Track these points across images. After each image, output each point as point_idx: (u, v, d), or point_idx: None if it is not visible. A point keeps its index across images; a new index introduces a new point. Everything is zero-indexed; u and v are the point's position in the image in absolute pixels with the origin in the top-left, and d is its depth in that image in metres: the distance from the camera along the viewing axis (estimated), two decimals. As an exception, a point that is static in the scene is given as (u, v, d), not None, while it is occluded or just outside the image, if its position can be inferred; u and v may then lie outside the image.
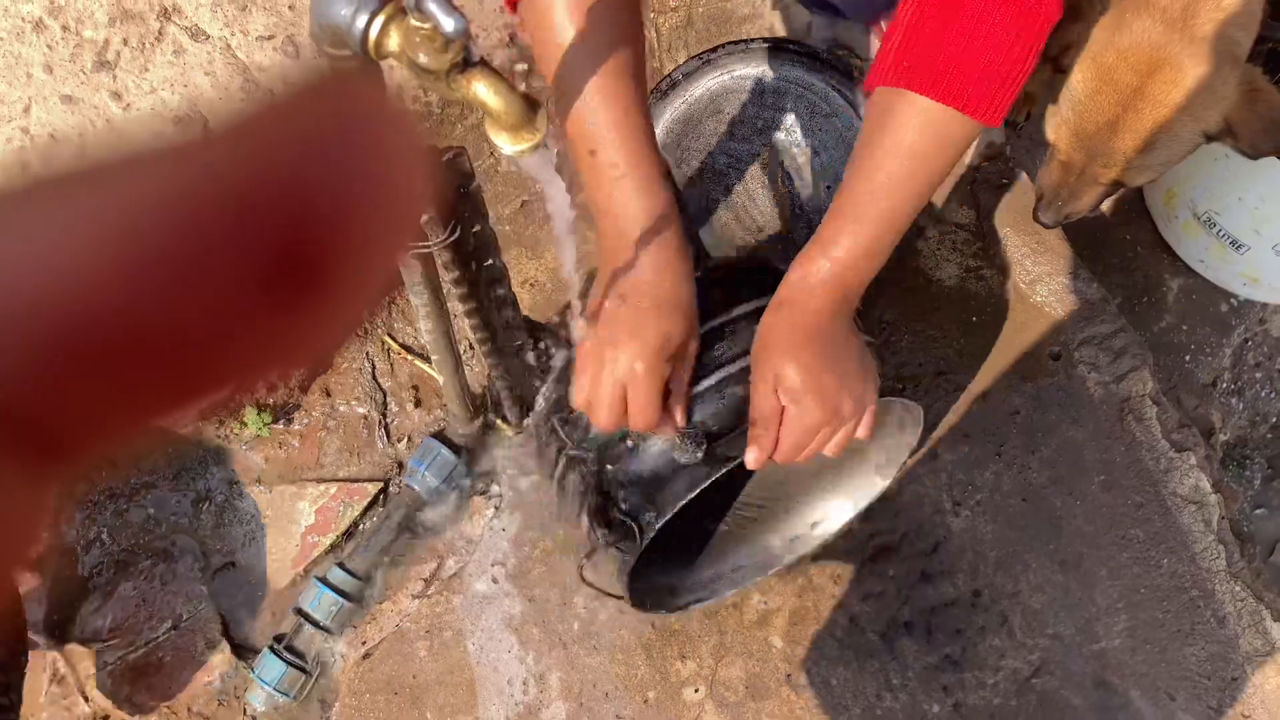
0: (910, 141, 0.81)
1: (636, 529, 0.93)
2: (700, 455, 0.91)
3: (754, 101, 1.27)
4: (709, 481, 0.89)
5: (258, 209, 0.15)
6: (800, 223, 1.30)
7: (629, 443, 0.94)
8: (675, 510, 0.90)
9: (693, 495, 0.90)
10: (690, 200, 1.29)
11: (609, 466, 0.96)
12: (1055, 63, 1.15)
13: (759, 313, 0.90)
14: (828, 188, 1.28)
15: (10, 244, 0.14)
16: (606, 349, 0.84)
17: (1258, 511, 1.63)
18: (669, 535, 0.95)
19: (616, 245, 0.85)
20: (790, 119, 1.27)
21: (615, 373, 0.84)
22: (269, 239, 0.15)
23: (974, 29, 0.78)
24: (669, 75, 1.27)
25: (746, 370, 0.89)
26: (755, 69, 1.25)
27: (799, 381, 0.84)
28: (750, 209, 1.30)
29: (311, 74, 0.17)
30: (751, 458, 0.86)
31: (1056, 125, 1.16)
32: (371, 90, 0.17)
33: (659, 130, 1.27)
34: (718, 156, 1.29)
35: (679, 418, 0.90)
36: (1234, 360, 1.57)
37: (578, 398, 0.88)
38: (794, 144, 1.28)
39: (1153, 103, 1.08)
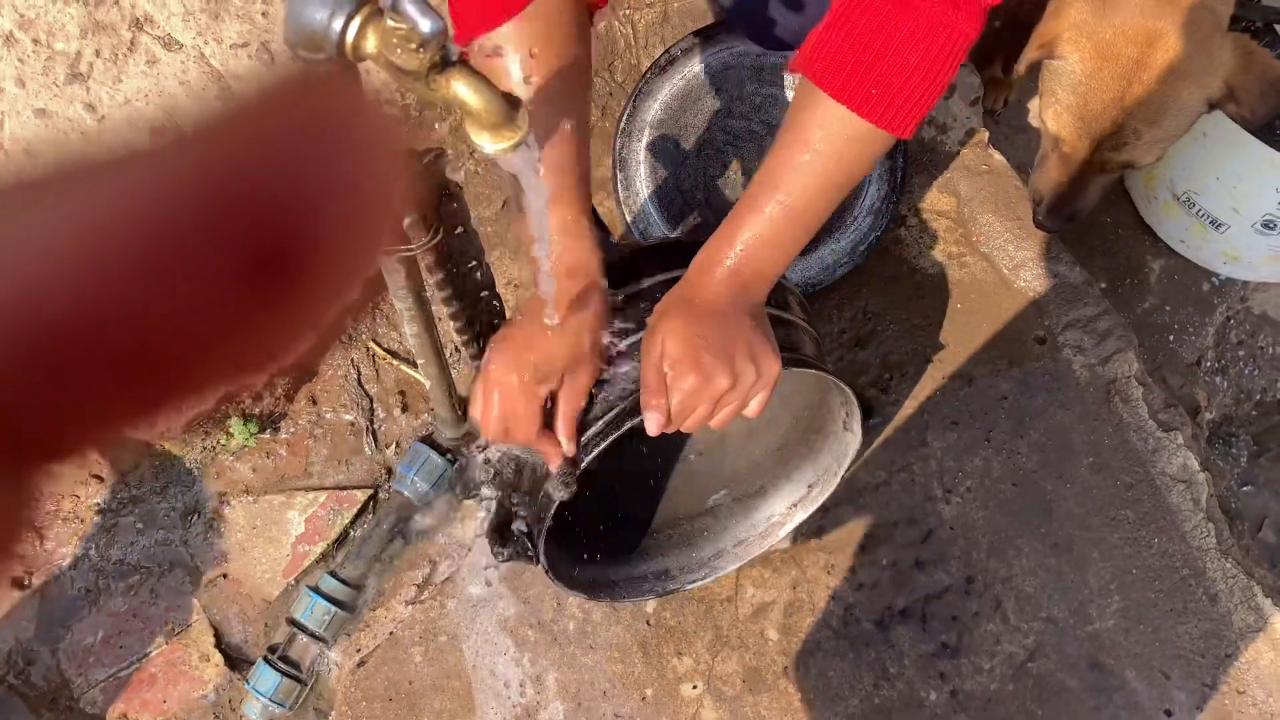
0: (817, 142, 0.82)
1: (529, 541, 0.95)
2: (567, 494, 0.92)
3: (752, 78, 1.27)
4: (608, 441, 0.89)
5: (235, 212, 0.15)
6: None
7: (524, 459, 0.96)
8: (581, 469, 0.91)
9: (592, 456, 0.90)
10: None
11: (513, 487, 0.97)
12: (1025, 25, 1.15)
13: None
14: None
15: None
16: (494, 363, 0.88)
17: (1244, 489, 1.64)
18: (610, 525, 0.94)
19: (533, 277, 0.88)
20: (789, 96, 1.27)
21: (495, 384, 0.88)
22: (246, 242, 0.15)
23: (886, 40, 0.78)
24: (667, 51, 1.26)
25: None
26: (754, 46, 1.25)
27: (677, 351, 0.85)
28: (745, 187, 1.30)
29: (287, 78, 0.17)
30: (651, 420, 0.87)
31: (1057, 114, 1.16)
32: (348, 93, 0.17)
33: (655, 107, 1.27)
34: (715, 133, 1.29)
35: (564, 443, 0.91)
36: (1217, 339, 1.58)
37: (472, 409, 0.91)
38: None
39: (1157, 72, 1.08)
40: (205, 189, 0.15)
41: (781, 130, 0.85)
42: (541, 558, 0.96)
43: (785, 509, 1.17)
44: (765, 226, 0.85)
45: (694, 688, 1.23)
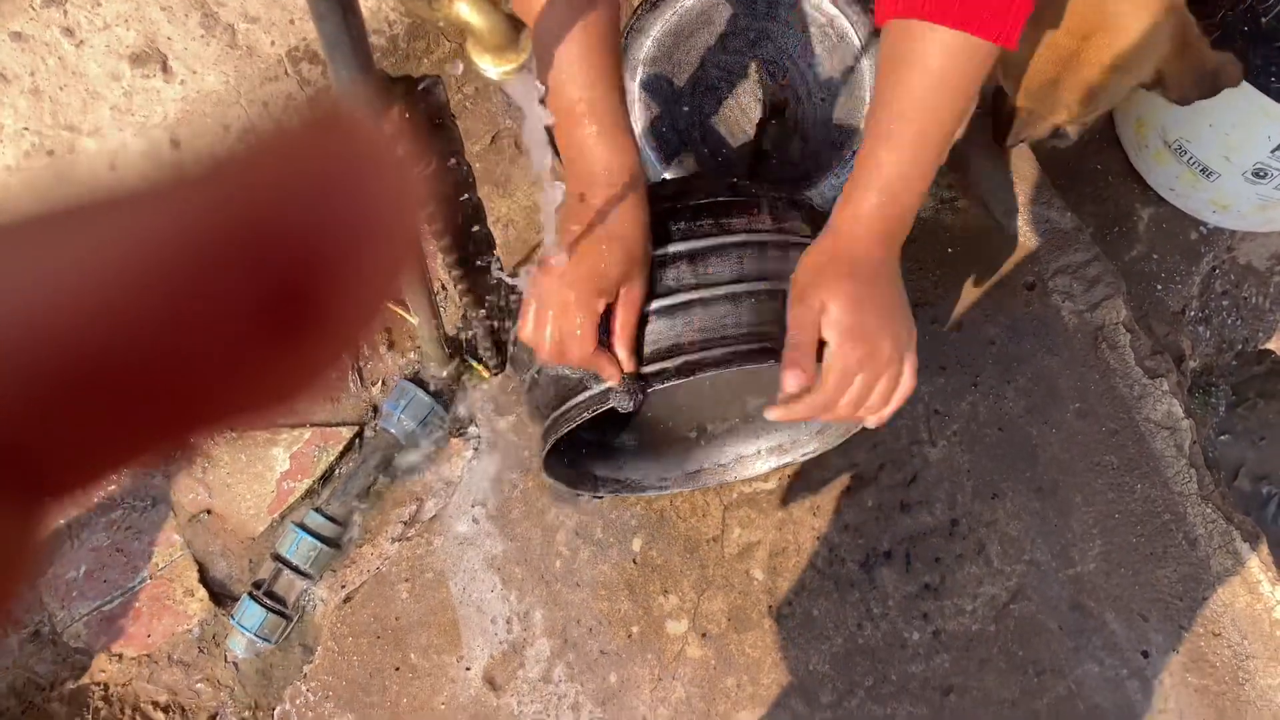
0: (932, 67, 0.81)
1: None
2: (632, 406, 0.90)
3: (746, 12, 1.25)
4: (720, 370, 0.86)
5: (247, 245, 0.15)
6: (794, 136, 1.29)
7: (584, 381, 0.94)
8: (682, 379, 0.88)
9: (713, 373, 0.87)
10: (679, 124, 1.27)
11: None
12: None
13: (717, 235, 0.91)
14: (822, 99, 1.26)
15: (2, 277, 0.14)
16: (545, 281, 0.85)
17: (1222, 438, 1.65)
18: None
19: (575, 189, 0.86)
20: (784, 30, 1.25)
21: (548, 303, 0.85)
22: (258, 274, 0.15)
23: None
24: None
25: (693, 303, 0.89)
26: None
27: (843, 314, 0.83)
28: (743, 123, 1.28)
29: (303, 107, 0.16)
30: (791, 381, 0.84)
31: (1004, 74, 1.20)
32: (362, 124, 0.16)
33: (648, 43, 1.25)
34: (709, 69, 1.27)
35: (623, 358, 0.89)
36: (1202, 288, 1.58)
37: (521, 330, 0.89)
38: (787, 55, 1.26)
39: (1089, 65, 1.11)
40: (224, 221, 0.15)
41: (888, 65, 0.84)
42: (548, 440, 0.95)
43: (770, 449, 1.18)
44: (907, 162, 0.83)
45: (679, 625, 1.24)
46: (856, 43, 1.24)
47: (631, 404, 0.90)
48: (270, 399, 0.16)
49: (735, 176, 0.99)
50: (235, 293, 0.15)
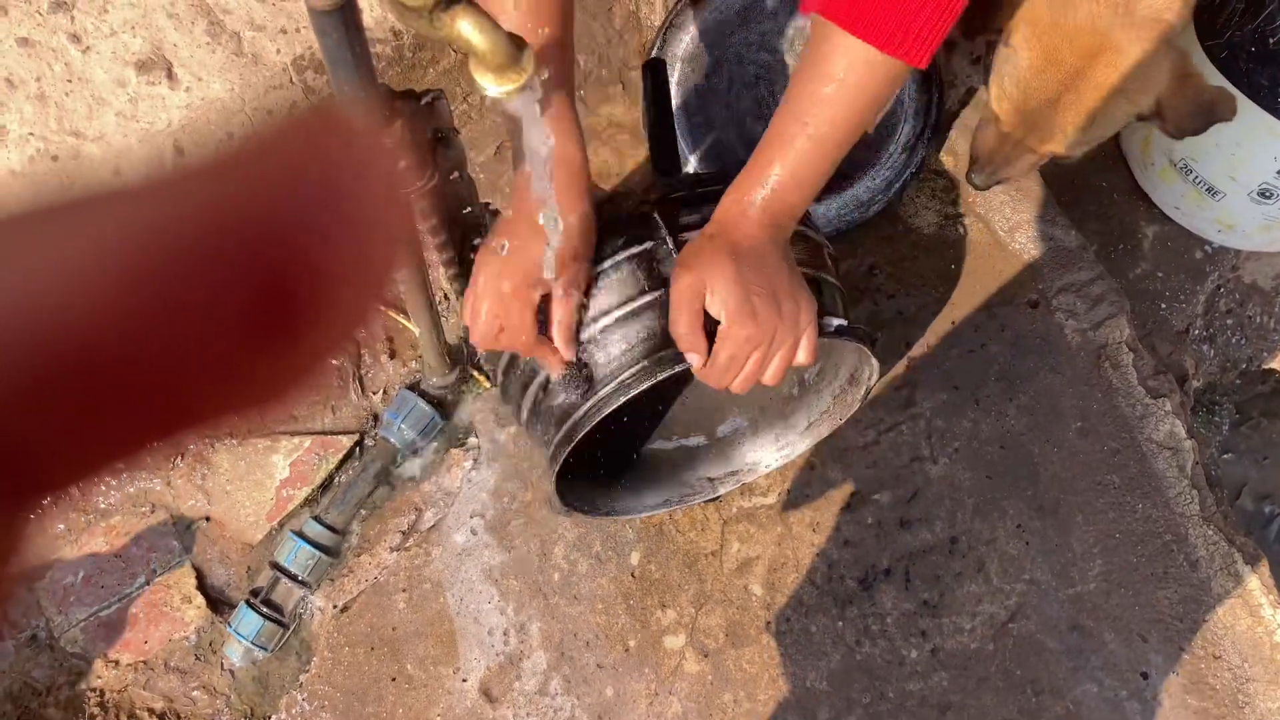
0: (836, 74, 0.82)
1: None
2: (580, 396, 0.92)
3: (784, 12, 1.25)
4: (649, 383, 0.88)
5: (239, 246, 0.15)
6: None
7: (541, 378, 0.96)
8: (613, 407, 0.90)
9: (630, 396, 0.89)
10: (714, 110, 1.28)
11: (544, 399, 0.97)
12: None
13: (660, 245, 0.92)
14: None
15: None
16: (483, 269, 0.88)
17: (1225, 456, 1.65)
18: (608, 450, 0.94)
19: (518, 178, 0.87)
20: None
21: (485, 292, 0.88)
22: (251, 274, 0.15)
23: None
24: None
25: (646, 306, 0.90)
26: None
27: (728, 294, 0.83)
28: None
29: (296, 111, 0.17)
30: (695, 360, 0.86)
31: (998, 97, 1.19)
32: (355, 128, 0.17)
33: (686, 39, 1.25)
34: (747, 67, 1.28)
35: (561, 348, 0.90)
36: (1206, 307, 1.58)
37: (463, 316, 0.91)
38: None
39: (1094, 85, 1.11)
40: (213, 225, 0.15)
41: (801, 65, 0.85)
42: (555, 463, 0.96)
43: (773, 454, 1.19)
44: (795, 160, 0.84)
45: (677, 640, 1.23)
46: None
47: (576, 395, 0.91)
48: (263, 399, 0.16)
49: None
50: (228, 292, 0.15)
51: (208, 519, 1.30)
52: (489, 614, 1.24)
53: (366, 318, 0.17)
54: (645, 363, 0.90)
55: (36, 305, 0.14)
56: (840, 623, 1.24)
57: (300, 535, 1.25)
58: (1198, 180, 1.42)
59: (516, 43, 0.59)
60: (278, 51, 1.26)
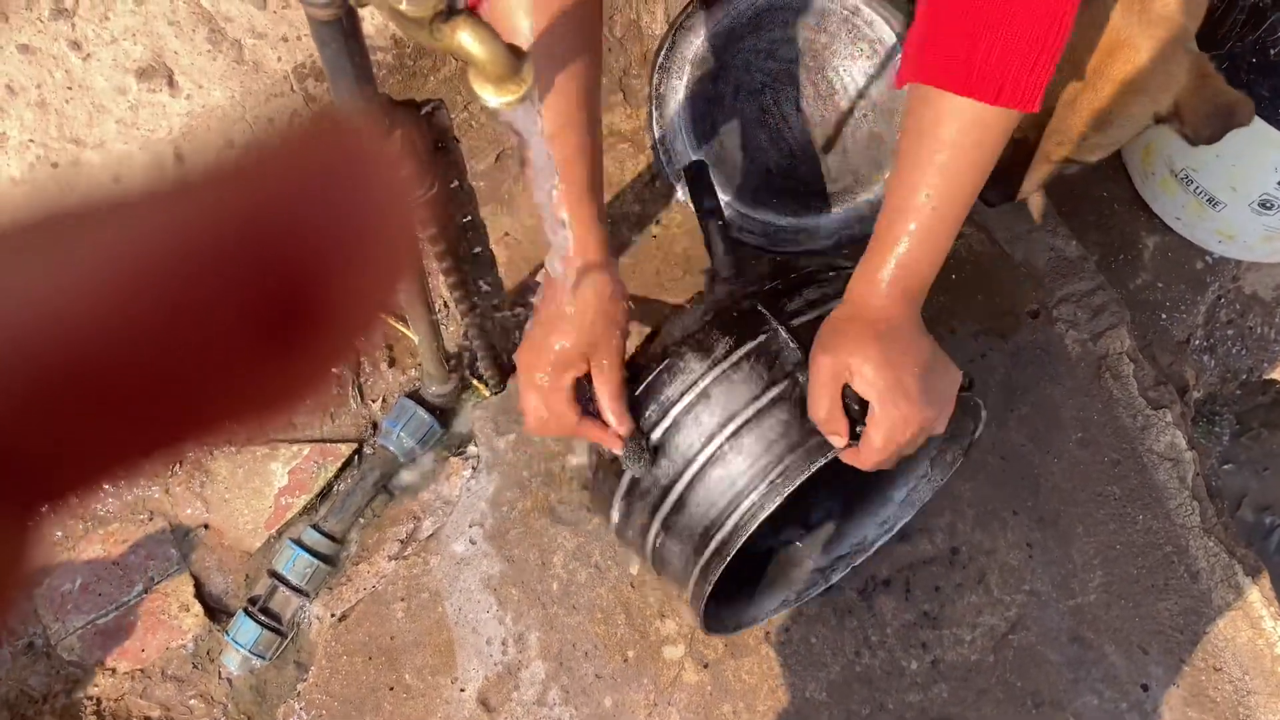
0: (949, 137, 0.80)
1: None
2: (644, 468, 0.92)
3: (796, 21, 1.25)
4: (802, 477, 0.87)
5: (243, 253, 0.15)
6: (834, 150, 1.29)
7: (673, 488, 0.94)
8: (769, 511, 0.89)
9: (785, 495, 0.88)
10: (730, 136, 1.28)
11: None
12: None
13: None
14: (865, 115, 1.26)
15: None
16: (519, 363, 0.91)
17: (1225, 467, 1.64)
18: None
19: (546, 276, 0.89)
20: (832, 42, 1.25)
21: (524, 382, 0.90)
22: (254, 284, 0.15)
23: (997, 27, 0.76)
24: None
25: (775, 400, 0.89)
26: None
27: (877, 375, 0.82)
28: (784, 131, 1.28)
29: (300, 119, 0.17)
30: (839, 443, 0.86)
31: None
32: (358, 134, 0.17)
33: (696, 42, 1.25)
34: (755, 74, 1.27)
35: (613, 424, 0.91)
36: (1207, 318, 1.57)
37: (519, 408, 0.94)
38: (834, 68, 1.26)
39: (1112, 83, 1.09)
40: (218, 233, 0.15)
41: (907, 131, 0.83)
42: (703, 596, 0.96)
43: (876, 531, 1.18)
44: (921, 233, 0.83)
45: (676, 650, 1.23)
46: None
47: (641, 467, 0.91)
48: (266, 408, 0.16)
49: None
50: (231, 300, 0.15)
51: (206, 527, 1.30)
52: (487, 623, 1.24)
53: (370, 326, 0.17)
54: (791, 457, 0.88)
55: (39, 313, 0.14)
56: (840, 633, 1.24)
57: (299, 543, 1.24)
58: (1198, 191, 1.42)
59: (516, 53, 0.59)
60: (279, 59, 1.26)
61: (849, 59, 1.27)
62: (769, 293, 0.94)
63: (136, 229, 0.14)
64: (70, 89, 1.21)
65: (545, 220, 0.79)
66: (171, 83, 1.23)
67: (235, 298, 0.15)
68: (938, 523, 1.26)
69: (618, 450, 0.92)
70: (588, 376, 0.90)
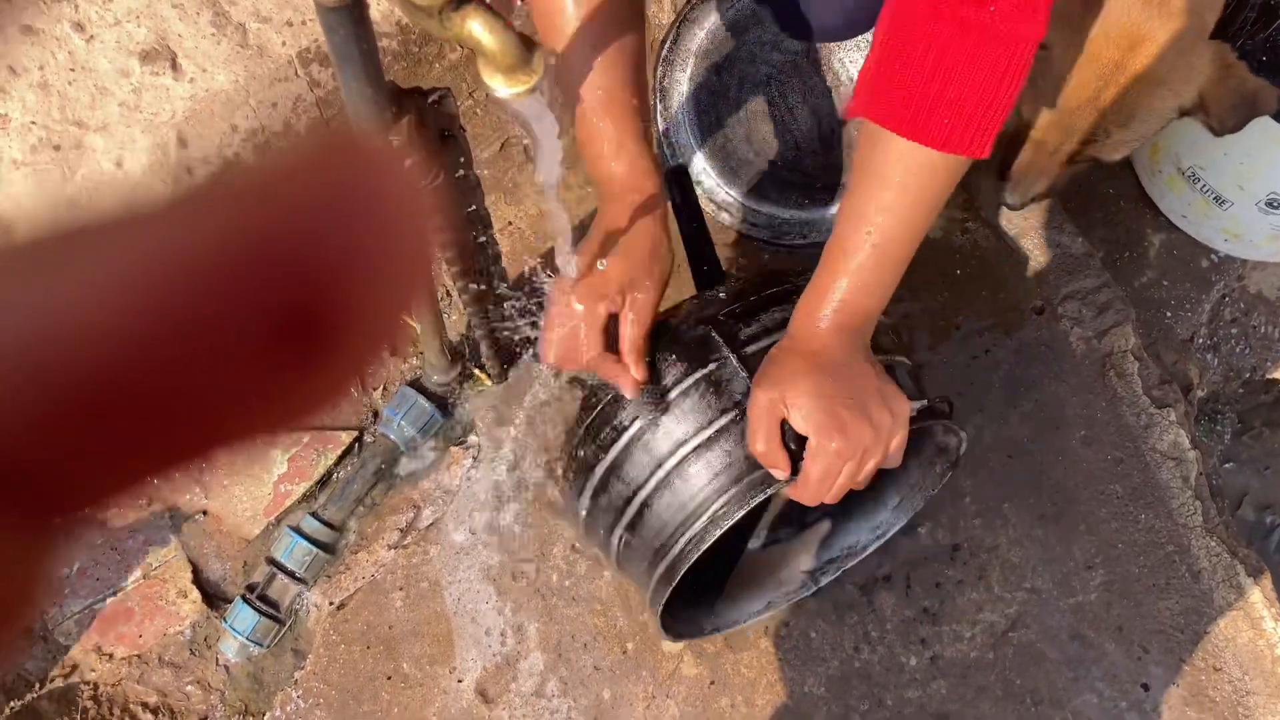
0: (895, 179, 0.80)
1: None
2: (653, 418, 0.92)
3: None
4: (742, 511, 0.88)
5: (262, 264, 0.15)
6: (838, 143, 1.28)
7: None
8: (709, 543, 0.89)
9: (725, 528, 0.88)
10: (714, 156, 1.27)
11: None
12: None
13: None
14: None
15: (9, 296, 0.14)
16: (556, 289, 0.90)
17: (1227, 465, 1.64)
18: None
19: (601, 207, 0.90)
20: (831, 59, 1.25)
21: (554, 313, 0.90)
22: (272, 294, 0.15)
23: (950, 68, 0.75)
24: None
25: (722, 430, 0.89)
26: None
27: (811, 408, 0.82)
28: (789, 123, 1.27)
29: (317, 137, 0.16)
30: (779, 475, 0.86)
31: (1033, 102, 1.16)
32: (379, 153, 0.16)
33: (700, 34, 1.24)
34: (759, 66, 1.27)
35: (632, 367, 0.90)
36: (1211, 316, 1.57)
37: (541, 336, 0.94)
38: (839, 60, 1.25)
39: (1134, 78, 1.09)
40: (235, 247, 0.15)
41: (857, 167, 0.83)
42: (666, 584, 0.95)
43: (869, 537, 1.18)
44: (861, 269, 0.83)
45: (675, 643, 1.23)
46: None
47: (652, 415, 0.91)
48: (283, 420, 0.16)
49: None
50: (248, 313, 0.15)
51: (205, 513, 1.29)
52: (486, 614, 1.24)
53: (388, 335, 0.16)
54: (734, 489, 0.88)
55: (56, 328, 0.13)
56: (840, 628, 1.24)
57: (297, 531, 1.24)
58: (1205, 189, 1.41)
59: (527, 43, 0.58)
60: (283, 44, 1.25)
61: (855, 50, 1.26)
62: (727, 315, 0.94)
63: (159, 242, 0.14)
64: (73, 71, 1.20)
65: (551, 211, 0.79)
66: (175, 66, 1.22)
67: (258, 310, 0.15)
68: (939, 519, 1.26)
69: (629, 393, 0.91)
70: (615, 320, 0.91)
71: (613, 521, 0.97)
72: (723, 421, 0.89)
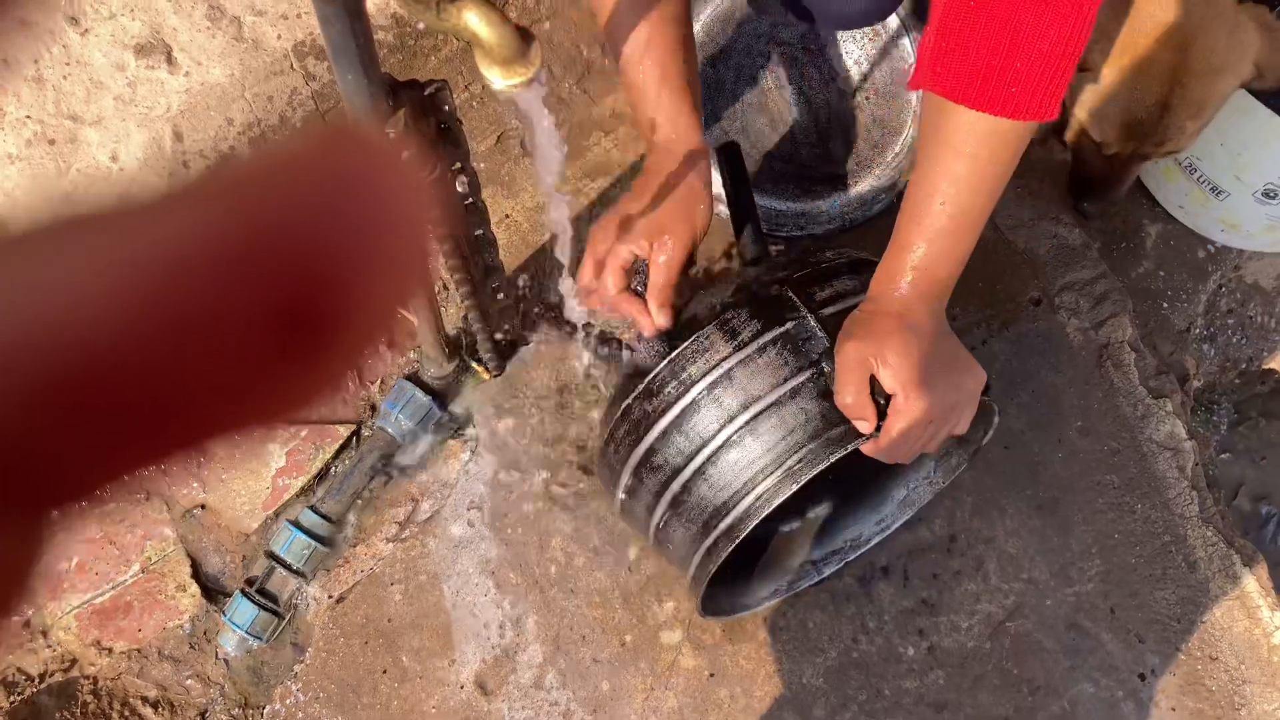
0: (966, 149, 0.80)
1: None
2: (654, 362, 0.93)
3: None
4: (822, 466, 0.87)
5: (257, 264, 0.15)
6: (836, 134, 1.28)
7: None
8: (783, 498, 0.89)
9: (801, 484, 0.88)
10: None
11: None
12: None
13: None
14: (867, 98, 1.26)
15: (4, 287, 0.14)
16: (596, 227, 0.93)
17: (1223, 456, 1.65)
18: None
19: (648, 157, 0.94)
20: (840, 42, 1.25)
21: (590, 249, 0.93)
22: (266, 294, 0.15)
23: (1015, 36, 0.75)
24: None
25: (800, 388, 0.89)
26: None
27: (901, 365, 0.82)
28: (785, 115, 1.27)
29: (317, 130, 0.16)
30: (865, 428, 0.86)
31: (1100, 124, 1.18)
32: (377, 146, 0.16)
33: (696, 28, 1.24)
34: (756, 58, 1.27)
35: (654, 312, 0.92)
36: (1208, 306, 1.57)
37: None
38: (835, 51, 1.25)
39: (1196, 75, 1.11)
40: (235, 239, 0.15)
41: (925, 138, 0.84)
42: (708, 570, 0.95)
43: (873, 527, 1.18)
44: (937, 238, 0.83)
45: (674, 634, 1.23)
46: (907, 44, 1.23)
47: (653, 365, 0.91)
48: (280, 410, 0.16)
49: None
50: (244, 303, 0.14)
51: (203, 507, 1.29)
52: (485, 607, 1.24)
53: (384, 329, 0.16)
54: (811, 444, 0.88)
55: (51, 319, 0.13)
56: (838, 620, 1.24)
57: (296, 525, 1.24)
58: (1202, 179, 1.41)
59: (524, 35, 0.58)
60: (278, 37, 1.25)
61: (850, 41, 1.26)
62: (800, 279, 0.94)
63: (155, 235, 0.14)
64: (68, 65, 1.20)
65: (550, 203, 0.80)
66: (170, 60, 1.22)
67: (253, 302, 0.15)
68: (936, 510, 1.26)
69: (647, 332, 0.92)
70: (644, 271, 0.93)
71: (664, 481, 0.95)
72: (800, 379, 0.89)
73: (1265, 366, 1.62)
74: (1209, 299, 1.56)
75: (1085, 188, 1.30)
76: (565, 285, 0.97)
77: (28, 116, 1.20)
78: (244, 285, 0.14)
